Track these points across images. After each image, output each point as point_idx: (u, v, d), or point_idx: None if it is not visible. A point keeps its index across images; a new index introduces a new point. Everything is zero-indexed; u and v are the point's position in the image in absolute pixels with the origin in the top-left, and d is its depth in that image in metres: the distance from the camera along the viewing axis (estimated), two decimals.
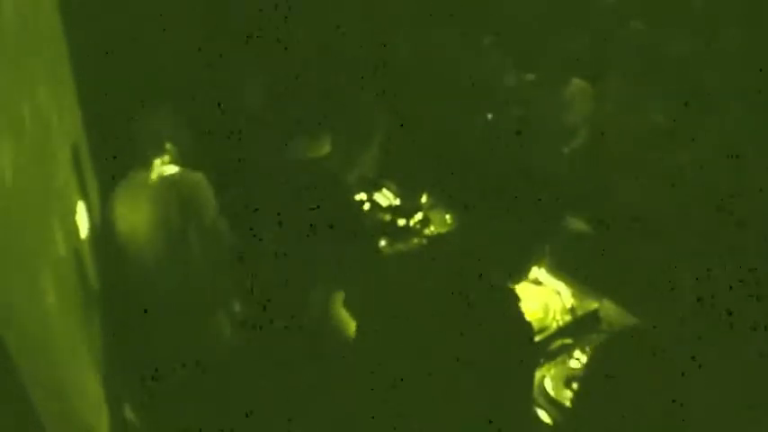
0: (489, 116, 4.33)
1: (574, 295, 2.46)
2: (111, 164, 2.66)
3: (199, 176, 2.46)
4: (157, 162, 2.45)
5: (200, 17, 4.05)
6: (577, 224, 3.08)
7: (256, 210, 2.47)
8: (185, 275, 2.44)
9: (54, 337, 1.50)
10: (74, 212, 2.08)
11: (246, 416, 2.50)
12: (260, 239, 2.40)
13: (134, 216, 2.40)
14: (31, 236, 1.48)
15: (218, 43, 3.99)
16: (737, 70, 4.07)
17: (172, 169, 2.46)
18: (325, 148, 2.39)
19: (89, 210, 2.30)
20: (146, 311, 2.44)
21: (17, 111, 1.53)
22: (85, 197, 2.30)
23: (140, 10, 3.60)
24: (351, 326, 2.08)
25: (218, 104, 3.47)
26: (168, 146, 2.48)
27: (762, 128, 3.30)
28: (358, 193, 3.49)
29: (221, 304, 2.61)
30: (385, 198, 3.44)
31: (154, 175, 2.43)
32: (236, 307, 2.69)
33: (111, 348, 2.20)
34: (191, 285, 2.46)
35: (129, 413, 2.28)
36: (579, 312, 2.37)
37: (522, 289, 2.48)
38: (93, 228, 2.31)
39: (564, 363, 2.19)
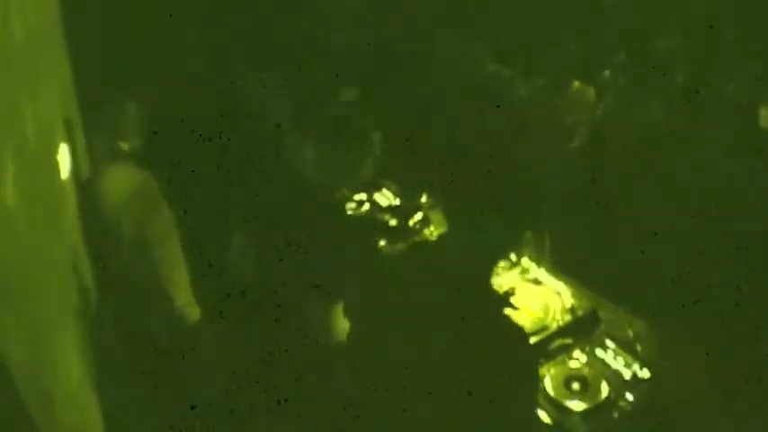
0: (490, 117, 4.33)
1: (574, 295, 2.45)
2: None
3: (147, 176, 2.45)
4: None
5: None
6: (577, 224, 3.08)
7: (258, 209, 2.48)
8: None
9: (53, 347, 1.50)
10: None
11: (242, 420, 2.52)
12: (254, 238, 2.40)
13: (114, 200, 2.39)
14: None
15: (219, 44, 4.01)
16: (735, 70, 4.07)
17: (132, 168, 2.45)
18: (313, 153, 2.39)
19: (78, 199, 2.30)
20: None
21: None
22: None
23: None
24: (346, 325, 2.09)
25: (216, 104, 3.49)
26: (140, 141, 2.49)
27: (760, 127, 3.30)
28: (358, 193, 3.50)
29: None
30: (385, 198, 3.45)
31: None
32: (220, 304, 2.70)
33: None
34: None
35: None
36: (579, 312, 2.37)
37: (522, 289, 2.50)
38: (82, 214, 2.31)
39: (564, 363, 2.19)
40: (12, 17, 1.55)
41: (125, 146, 2.46)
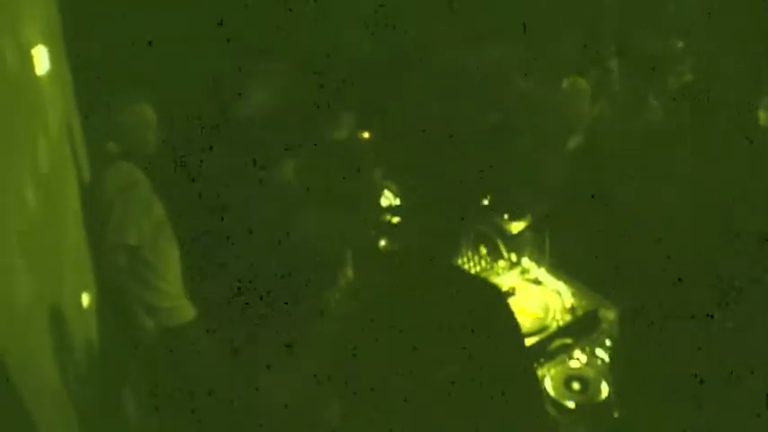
0: (489, 116, 4.33)
1: (574, 295, 2.45)
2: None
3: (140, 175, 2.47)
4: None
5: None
6: (577, 224, 3.08)
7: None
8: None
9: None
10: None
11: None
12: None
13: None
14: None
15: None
16: (735, 71, 4.08)
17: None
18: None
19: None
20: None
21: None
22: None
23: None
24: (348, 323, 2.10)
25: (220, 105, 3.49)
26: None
27: (760, 127, 3.30)
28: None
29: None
30: (385, 198, 3.44)
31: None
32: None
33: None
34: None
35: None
36: (579, 312, 2.37)
37: (522, 289, 2.50)
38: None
39: (564, 363, 2.20)
40: None
41: (120, 145, 2.47)
